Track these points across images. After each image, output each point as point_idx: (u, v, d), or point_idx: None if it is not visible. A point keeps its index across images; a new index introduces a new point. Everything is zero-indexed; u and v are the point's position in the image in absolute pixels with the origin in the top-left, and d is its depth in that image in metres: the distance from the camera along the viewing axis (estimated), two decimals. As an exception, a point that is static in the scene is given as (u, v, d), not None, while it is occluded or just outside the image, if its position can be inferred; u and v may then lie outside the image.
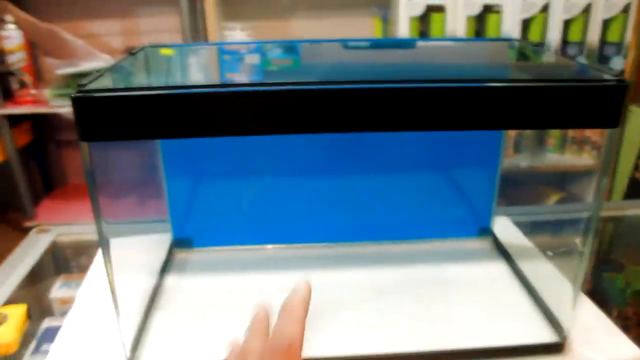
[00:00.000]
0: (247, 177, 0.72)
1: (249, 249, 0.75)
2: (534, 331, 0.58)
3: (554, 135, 1.86)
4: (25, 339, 0.65)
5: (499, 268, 0.70)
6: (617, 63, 1.69)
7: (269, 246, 0.75)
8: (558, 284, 0.60)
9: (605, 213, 0.97)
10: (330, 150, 0.72)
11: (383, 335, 0.57)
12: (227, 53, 0.77)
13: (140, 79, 0.57)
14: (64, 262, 0.87)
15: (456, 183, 0.75)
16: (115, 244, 0.52)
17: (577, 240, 0.53)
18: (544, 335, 0.57)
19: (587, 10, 1.64)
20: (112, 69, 0.51)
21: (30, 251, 0.83)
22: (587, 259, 0.53)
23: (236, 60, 0.72)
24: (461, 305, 0.62)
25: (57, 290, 0.77)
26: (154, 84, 0.54)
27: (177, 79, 0.64)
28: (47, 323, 0.70)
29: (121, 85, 0.47)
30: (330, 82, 0.44)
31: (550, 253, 0.71)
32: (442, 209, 0.76)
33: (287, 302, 0.40)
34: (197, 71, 0.67)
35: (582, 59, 1.69)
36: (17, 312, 0.60)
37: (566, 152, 1.88)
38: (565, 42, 1.68)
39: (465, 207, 0.76)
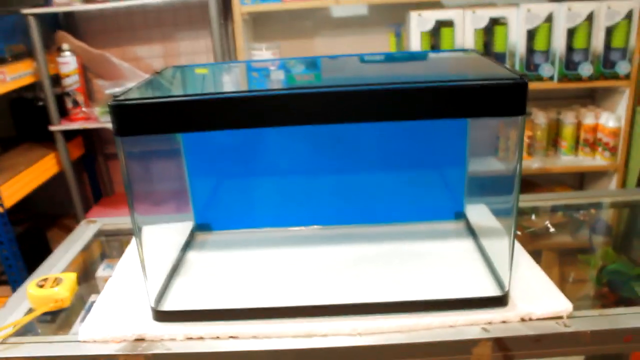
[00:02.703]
0: (257, 171, 0.87)
1: (256, 231, 0.89)
2: (482, 288, 0.70)
3: (566, 137, 1.94)
4: (76, 309, 0.81)
5: (466, 244, 0.82)
6: (623, 67, 1.77)
7: (274, 229, 0.89)
8: (506, 252, 0.72)
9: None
10: (328, 147, 0.86)
11: (355, 290, 0.70)
12: (255, 70, 0.93)
13: (158, 91, 0.72)
14: (108, 247, 1.03)
15: (433, 174, 0.87)
16: (147, 229, 0.67)
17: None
18: (490, 291, 0.69)
19: (590, 18, 1.73)
20: (140, 85, 0.68)
21: (79, 238, 0.99)
22: (513, 232, 0.65)
23: (263, 76, 0.88)
24: (425, 270, 0.75)
25: (102, 271, 0.92)
26: (168, 94, 0.70)
27: (187, 89, 0.80)
28: (93, 298, 0.85)
29: (143, 96, 0.63)
30: (320, 87, 0.59)
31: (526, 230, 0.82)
32: (423, 196, 0.89)
33: None
34: (207, 83, 0.83)
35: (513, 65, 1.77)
36: (70, 277, 0.76)
37: (579, 154, 1.95)
38: (570, 49, 1.77)
39: (443, 195, 0.89)
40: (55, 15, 2.05)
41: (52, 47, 1.97)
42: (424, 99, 0.59)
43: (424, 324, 0.64)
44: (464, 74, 0.77)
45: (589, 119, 1.90)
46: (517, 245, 0.80)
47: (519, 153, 0.62)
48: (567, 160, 1.94)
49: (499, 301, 0.67)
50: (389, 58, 0.99)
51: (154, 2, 1.85)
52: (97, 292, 0.87)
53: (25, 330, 0.71)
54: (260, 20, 2.05)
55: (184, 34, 2.15)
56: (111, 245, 1.05)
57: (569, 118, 1.92)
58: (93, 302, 0.81)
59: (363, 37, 2.07)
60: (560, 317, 0.65)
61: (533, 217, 1.01)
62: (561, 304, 0.67)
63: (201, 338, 0.65)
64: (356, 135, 0.84)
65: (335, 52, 2.08)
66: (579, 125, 1.93)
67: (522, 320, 0.65)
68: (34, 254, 1.80)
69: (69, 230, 2.10)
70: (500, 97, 0.58)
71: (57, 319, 0.78)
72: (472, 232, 0.85)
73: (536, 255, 0.80)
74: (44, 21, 1.89)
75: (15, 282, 1.69)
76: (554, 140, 1.98)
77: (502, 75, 0.61)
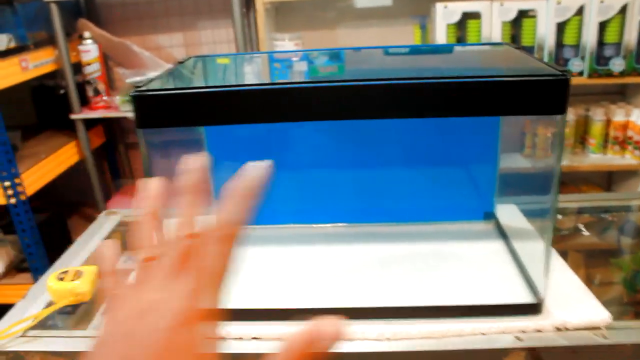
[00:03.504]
0: (281, 166, 0.85)
1: (279, 228, 0.87)
2: (515, 294, 0.67)
3: (594, 135, 1.88)
4: (96, 302, 0.80)
5: (496, 245, 0.79)
6: (657, 63, 1.71)
7: (297, 225, 0.87)
8: (541, 256, 0.69)
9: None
10: (353, 142, 0.83)
11: (381, 293, 0.68)
12: (277, 61, 0.91)
13: (181, 82, 0.70)
14: (128, 239, 1.02)
15: (462, 172, 0.84)
16: (167, 222, 0.65)
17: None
18: (523, 297, 0.66)
19: (623, 11, 1.67)
20: (162, 75, 0.65)
21: (100, 230, 0.98)
22: (550, 237, 0.62)
23: (285, 67, 0.85)
24: (454, 273, 0.72)
25: (123, 263, 0.91)
26: (190, 85, 0.68)
27: (209, 81, 0.78)
28: (114, 290, 0.85)
29: (165, 87, 0.61)
30: (346, 81, 0.56)
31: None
32: (451, 194, 0.86)
33: (234, 189, 0.33)
34: (228, 74, 0.81)
35: (577, 59, 1.72)
36: (90, 270, 0.75)
37: (608, 152, 1.90)
38: (601, 43, 1.72)
39: (472, 194, 0.86)
40: (76, 2, 2.04)
41: (73, 35, 1.96)
42: (457, 95, 0.56)
43: (455, 331, 0.62)
44: (499, 69, 0.74)
45: (619, 116, 1.84)
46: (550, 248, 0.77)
47: (559, 154, 0.59)
48: (595, 159, 1.89)
49: (534, 309, 0.64)
50: (417, 51, 0.96)
51: (176, -10, 1.83)
52: (118, 284, 0.86)
53: (45, 323, 0.70)
54: (282, 10, 2.03)
55: (206, 22, 2.13)
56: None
57: (598, 115, 1.86)
58: (113, 296, 0.80)
59: (387, 29, 2.03)
60: (597, 328, 0.62)
61: (560, 217, 0.97)
62: (598, 313, 0.64)
63: (222, 338, 0.63)
64: (383, 130, 0.81)
65: (359, 44, 2.04)
66: (608, 123, 1.88)
67: (557, 329, 0.62)
68: (54, 241, 1.81)
69: (89, 218, 2.11)
70: (539, 94, 0.55)
71: (78, 311, 0.77)
72: (502, 233, 0.82)
73: (563, 257, 0.77)
74: (66, 8, 1.88)
75: (36, 269, 1.70)
76: (582, 137, 1.93)
77: (541, 70, 0.58)
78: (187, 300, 0.29)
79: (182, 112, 0.57)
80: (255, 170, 0.34)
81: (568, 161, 1.86)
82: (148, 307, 0.29)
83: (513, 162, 0.81)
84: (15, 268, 1.84)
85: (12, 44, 1.71)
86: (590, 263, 0.94)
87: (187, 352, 0.28)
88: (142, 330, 0.28)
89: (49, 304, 0.72)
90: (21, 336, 0.66)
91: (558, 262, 0.75)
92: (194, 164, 0.35)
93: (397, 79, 0.56)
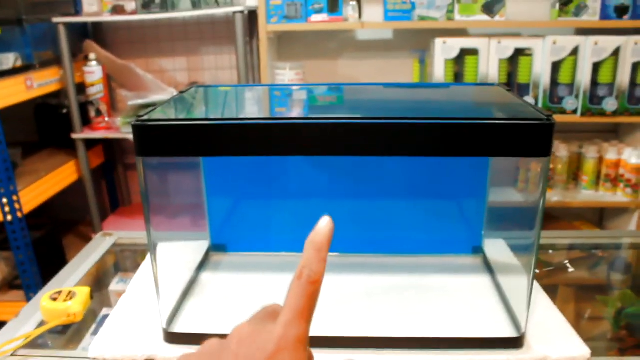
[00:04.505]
0: (276, 194, 0.87)
1: (272, 255, 0.89)
2: (497, 328, 0.68)
3: (587, 172, 1.91)
4: (87, 323, 0.81)
5: (482, 280, 0.81)
6: (650, 104, 1.75)
7: (290, 253, 0.89)
8: (524, 291, 0.71)
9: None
10: (346, 175, 0.85)
11: (366, 323, 0.69)
12: (278, 89, 0.93)
13: (182, 113, 0.73)
14: (123, 261, 1.04)
15: (451, 206, 0.86)
16: (162, 246, 0.67)
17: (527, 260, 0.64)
18: (505, 331, 0.68)
19: (616, 53, 1.72)
20: (164, 104, 0.68)
21: (95, 251, 0.99)
22: (532, 272, 0.64)
23: (285, 96, 0.88)
24: (439, 305, 0.73)
25: (116, 285, 0.92)
26: (192, 117, 0.70)
27: (210, 112, 0.80)
28: (105, 311, 0.84)
29: (167, 117, 0.63)
30: (343, 119, 0.58)
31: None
32: (440, 228, 0.88)
33: (315, 237, 0.40)
34: (229, 105, 0.83)
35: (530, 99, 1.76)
36: (83, 291, 0.76)
37: (600, 189, 1.92)
38: (595, 83, 1.76)
39: (460, 228, 0.88)
40: (84, 24, 2.09)
41: (79, 56, 2.00)
42: (446, 135, 0.58)
43: (437, 363, 0.63)
44: (488, 111, 0.77)
45: (611, 154, 1.87)
46: (535, 284, 0.79)
47: (542, 193, 0.61)
48: (587, 195, 1.91)
49: (515, 342, 0.66)
50: (413, 88, 0.99)
51: (181, 16, 1.87)
52: (109, 305, 0.87)
53: (35, 343, 0.71)
54: (284, 39, 2.07)
55: (209, 48, 2.17)
56: (125, 257, 1.05)
57: (591, 152, 1.90)
58: (104, 316, 0.81)
59: (387, 62, 2.07)
60: (577, 364, 0.64)
61: (550, 252, 0.99)
62: (579, 349, 0.65)
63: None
64: (375, 164, 0.84)
65: (359, 75, 2.08)
66: (600, 160, 1.91)
67: (538, 364, 0.64)
68: (48, 259, 1.81)
69: (84, 237, 2.12)
70: (525, 137, 0.57)
71: (68, 331, 0.78)
72: (489, 268, 0.84)
73: (552, 292, 0.79)
74: (73, 30, 1.93)
75: (28, 287, 1.71)
76: (574, 174, 1.96)
77: (527, 114, 0.61)
78: (282, 329, 0.37)
79: (182, 143, 0.60)
80: (328, 225, 0.40)
81: (561, 197, 1.89)
82: (247, 337, 0.38)
83: (507, 196, 0.83)
84: (8, 285, 1.84)
85: (19, 63, 1.74)
86: (579, 298, 0.96)
87: None
88: (246, 353, 0.37)
89: (41, 324, 0.74)
90: (12, 355, 0.67)
91: (542, 298, 0.77)
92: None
93: (392, 118, 0.58)
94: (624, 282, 1.03)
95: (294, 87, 0.97)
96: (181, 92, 0.77)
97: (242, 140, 0.59)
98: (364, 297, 0.76)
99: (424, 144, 0.58)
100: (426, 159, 0.83)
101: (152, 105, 0.66)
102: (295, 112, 0.81)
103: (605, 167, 1.90)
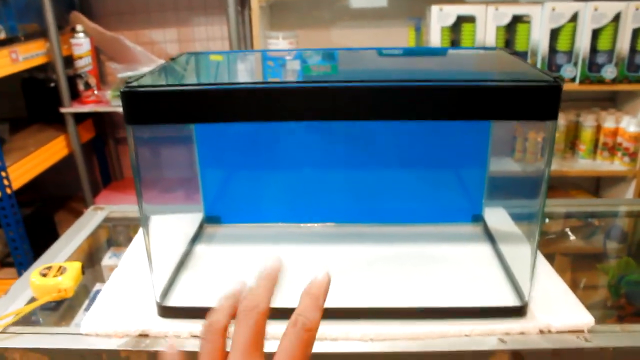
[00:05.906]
0: (270, 164, 0.85)
1: (267, 226, 0.87)
2: (500, 297, 0.67)
3: (584, 141, 1.89)
4: (80, 298, 0.79)
5: (483, 248, 0.79)
6: (649, 71, 1.72)
7: (285, 224, 0.87)
8: (526, 260, 0.69)
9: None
10: (343, 143, 0.83)
11: (367, 293, 0.68)
12: (271, 59, 0.90)
13: (172, 79, 0.70)
14: (115, 236, 1.01)
15: (451, 175, 0.84)
16: (155, 220, 0.65)
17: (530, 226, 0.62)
18: (508, 300, 0.66)
19: (616, 19, 1.68)
20: (153, 71, 0.65)
21: (86, 225, 0.97)
22: (536, 241, 0.62)
23: (278, 66, 0.85)
24: (440, 275, 0.72)
25: (108, 260, 0.90)
26: (182, 82, 0.67)
27: (201, 78, 0.77)
28: (98, 287, 0.83)
29: (156, 83, 0.60)
30: (338, 82, 0.56)
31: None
32: (440, 196, 0.86)
33: (311, 289, 0.41)
34: (221, 72, 0.80)
35: (570, 66, 1.73)
36: (74, 266, 0.74)
37: (597, 158, 1.91)
38: (594, 50, 1.73)
39: (461, 196, 0.86)
40: (70, -5, 2.03)
41: (65, 28, 1.95)
42: (449, 99, 0.56)
43: (439, 332, 0.61)
44: (492, 74, 0.74)
45: (609, 123, 1.85)
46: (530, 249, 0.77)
47: (548, 159, 0.59)
48: (584, 164, 1.90)
49: (518, 311, 0.64)
50: (411, 53, 0.96)
51: (171, -15, 1.82)
52: (102, 280, 0.85)
53: (26, 319, 0.69)
54: (277, 8, 2.02)
55: (200, 19, 2.12)
56: (118, 231, 1.03)
57: (588, 121, 1.88)
58: (97, 292, 0.79)
59: (381, 30, 2.03)
60: (580, 331, 0.62)
61: (547, 220, 0.98)
62: (582, 317, 0.64)
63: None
64: (373, 131, 0.81)
65: (353, 44, 2.04)
66: (598, 129, 1.89)
67: (541, 332, 0.62)
68: (40, 236, 1.79)
69: (76, 213, 2.10)
70: (532, 100, 0.55)
71: (60, 308, 0.76)
72: (490, 236, 0.82)
73: (549, 261, 0.77)
74: (59, 1, 1.87)
75: (20, 264, 1.69)
76: (572, 142, 1.94)
77: (534, 76, 0.58)
78: None
79: (172, 109, 0.57)
80: (327, 275, 0.42)
81: (558, 166, 1.87)
82: None
83: (504, 165, 0.80)
84: (0, 263, 1.82)
85: (2, 36, 1.69)
86: (577, 267, 0.95)
87: None
88: None
89: (32, 300, 0.72)
90: (1, 332, 0.65)
91: (544, 266, 0.75)
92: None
93: (390, 81, 0.56)
94: (622, 250, 1.02)
95: (287, 53, 0.93)
96: (171, 59, 0.73)
97: (234, 105, 0.56)
98: (364, 267, 0.74)
99: (430, 107, 0.56)
100: (427, 127, 0.80)
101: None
102: (290, 76, 0.78)
103: (603, 135, 1.88)
